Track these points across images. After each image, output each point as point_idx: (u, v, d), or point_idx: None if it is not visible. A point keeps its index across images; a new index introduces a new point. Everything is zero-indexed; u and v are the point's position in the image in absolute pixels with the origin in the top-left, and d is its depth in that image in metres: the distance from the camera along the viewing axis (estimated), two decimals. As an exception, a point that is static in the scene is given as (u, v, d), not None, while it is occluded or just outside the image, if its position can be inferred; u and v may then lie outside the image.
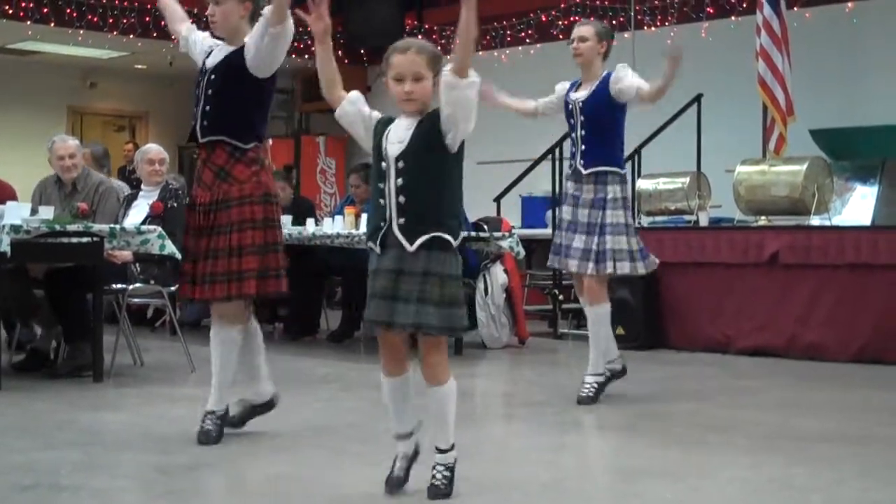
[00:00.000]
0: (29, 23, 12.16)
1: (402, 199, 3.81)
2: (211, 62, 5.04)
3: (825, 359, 7.94)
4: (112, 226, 6.77)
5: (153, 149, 8.15)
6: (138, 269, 7.43)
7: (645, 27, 11.76)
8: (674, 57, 5.80)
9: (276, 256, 4.98)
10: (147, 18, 12.72)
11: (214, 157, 4.97)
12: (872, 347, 7.85)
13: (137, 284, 7.31)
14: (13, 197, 7.52)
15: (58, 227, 6.45)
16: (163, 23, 12.91)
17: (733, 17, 11.16)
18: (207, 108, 4.98)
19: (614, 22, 12.05)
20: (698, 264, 8.71)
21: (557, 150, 10.19)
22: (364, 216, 8.47)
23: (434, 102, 3.87)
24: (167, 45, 13.08)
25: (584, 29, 6.16)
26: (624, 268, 6.05)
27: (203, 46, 5.17)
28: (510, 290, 8.94)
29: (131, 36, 12.84)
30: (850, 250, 7.98)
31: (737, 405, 6.28)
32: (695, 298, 8.69)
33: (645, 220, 9.62)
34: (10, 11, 11.96)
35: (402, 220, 3.81)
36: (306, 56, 13.71)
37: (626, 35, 11.58)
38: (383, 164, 3.87)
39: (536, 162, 10.63)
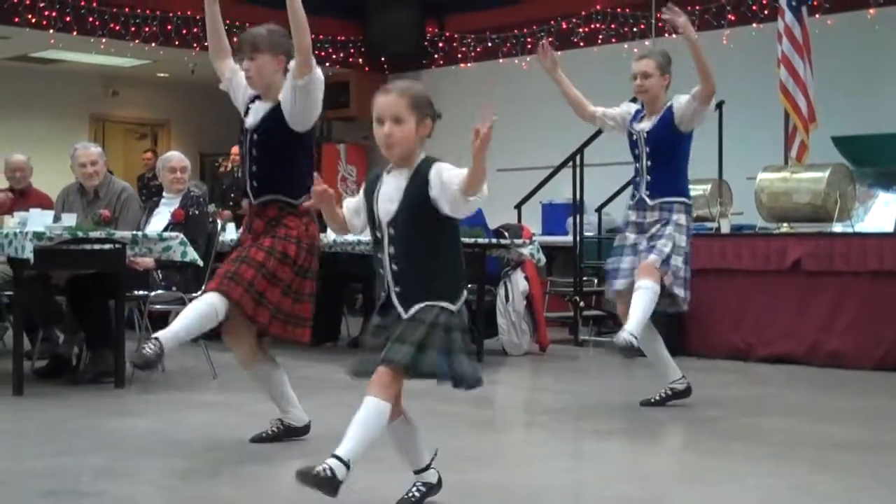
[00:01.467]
0: (52, 31, 12.22)
1: (395, 266, 3.68)
2: (251, 122, 5.03)
3: (847, 366, 7.91)
4: (134, 233, 6.80)
5: (175, 156, 8.18)
6: (160, 275, 7.45)
7: (666, 34, 11.73)
8: (671, 18, 5.87)
9: (301, 306, 4.95)
10: (169, 27, 12.77)
11: (267, 211, 5.00)
12: (895, 355, 7.81)
13: (159, 291, 7.33)
14: (50, 206, 7.55)
15: (80, 234, 6.47)
16: (184, 31, 13.03)
17: (755, 25, 11.14)
18: (254, 168, 5.01)
19: (635, 29, 12.05)
20: (720, 271, 8.68)
21: (578, 157, 10.18)
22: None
23: (420, 150, 3.70)
24: (189, 54, 13.16)
25: (645, 63, 6.11)
26: (679, 292, 6.06)
27: (244, 94, 5.14)
28: (531, 297, 8.94)
29: (153, 44, 12.89)
30: (872, 257, 7.95)
31: (758, 412, 6.25)
32: (716, 306, 8.66)
33: (666, 228, 9.58)
34: (34, 20, 12.03)
35: (398, 289, 3.69)
36: (327, 64, 13.76)
37: (646, 42, 11.57)
38: (377, 232, 3.73)
39: (557, 169, 10.63)
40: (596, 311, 10.66)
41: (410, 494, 3.89)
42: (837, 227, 8.44)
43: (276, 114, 4.93)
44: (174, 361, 7.77)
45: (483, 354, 8.28)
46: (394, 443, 3.90)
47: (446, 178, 3.58)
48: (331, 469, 3.52)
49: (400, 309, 3.69)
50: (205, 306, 4.83)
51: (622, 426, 5.87)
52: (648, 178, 6.15)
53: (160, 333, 4.78)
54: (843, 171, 8.60)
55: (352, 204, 3.88)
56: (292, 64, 4.84)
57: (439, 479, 3.94)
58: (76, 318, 7.04)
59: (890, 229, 8.48)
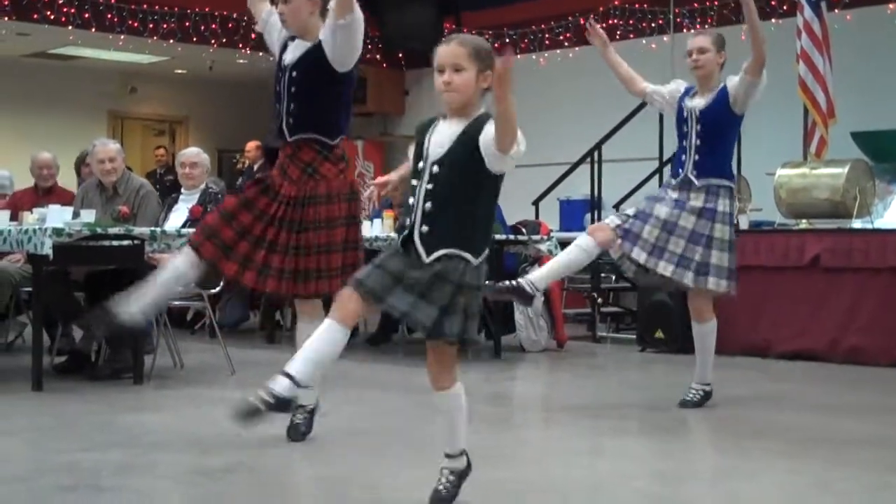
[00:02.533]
0: (70, 28, 12.27)
1: (428, 205, 3.65)
2: (290, 59, 5.01)
3: (866, 363, 7.88)
4: (153, 229, 6.82)
5: (187, 153, 8.21)
6: (178, 271, 7.46)
7: (684, 30, 11.71)
8: None
9: (356, 254, 5.00)
10: (187, 23, 12.80)
11: (301, 154, 4.98)
12: (914, 351, 7.78)
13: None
14: None
15: (99, 230, 6.50)
16: (202, 27, 13.07)
17: (773, 20, 11.10)
18: (292, 106, 4.98)
19: (653, 25, 12.03)
20: (738, 267, 8.59)
21: (596, 154, 10.16)
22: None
23: (479, 103, 3.71)
24: (207, 50, 13.20)
25: (702, 40, 6.04)
26: (721, 285, 5.97)
27: (280, 35, 5.12)
28: (548, 294, 8.93)
29: (171, 41, 12.93)
30: (892, 254, 7.92)
31: (776, 409, 6.24)
32: (734, 302, 8.60)
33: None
34: (52, 17, 12.08)
35: (424, 228, 3.65)
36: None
37: (664, 38, 11.56)
38: (421, 163, 3.72)
39: (575, 165, 10.63)
40: (614, 307, 10.65)
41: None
42: (857, 224, 8.40)
43: (317, 52, 4.91)
44: (192, 357, 7.80)
45: (501, 351, 8.29)
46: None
47: (489, 129, 3.59)
48: (451, 471, 3.76)
49: (422, 250, 3.64)
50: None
51: (640, 423, 5.87)
52: (696, 157, 6.02)
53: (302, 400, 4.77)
54: (863, 167, 8.57)
55: (407, 168, 3.91)
56: (332, 3, 4.82)
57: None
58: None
59: (910, 225, 8.44)
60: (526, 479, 4.07)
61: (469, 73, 3.67)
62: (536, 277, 5.77)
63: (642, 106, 8.76)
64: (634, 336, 9.25)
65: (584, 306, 10.42)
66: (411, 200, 3.70)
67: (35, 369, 6.42)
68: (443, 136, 3.70)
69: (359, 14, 4.84)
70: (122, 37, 12.66)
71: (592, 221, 10.15)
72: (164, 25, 12.68)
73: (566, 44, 12.82)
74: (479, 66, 3.67)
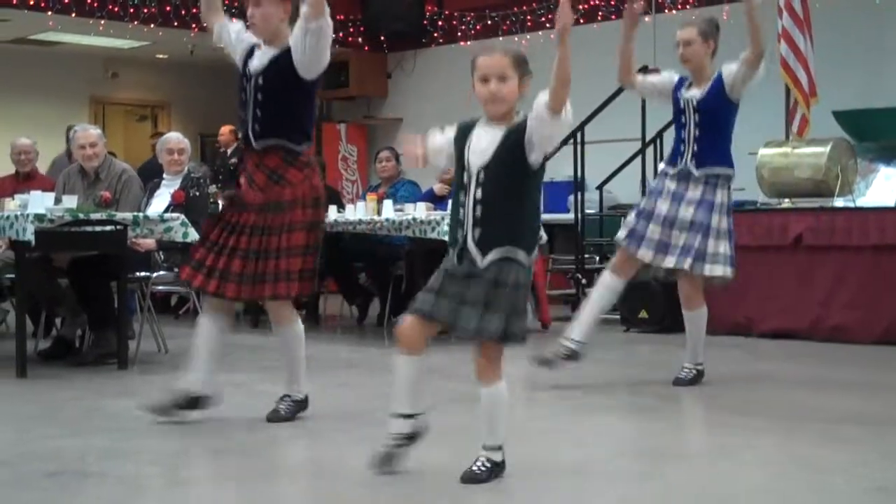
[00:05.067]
0: (50, 13, 12.20)
1: (478, 211, 3.84)
2: (256, 66, 5.03)
3: (849, 341, 7.91)
4: (135, 214, 6.80)
5: (173, 138, 8.17)
6: (162, 256, 7.47)
7: (666, 10, 11.71)
8: None
9: (313, 259, 5.04)
10: (168, 8, 12.74)
11: (267, 161, 4.99)
12: (896, 329, 7.82)
13: (161, 272, 7.34)
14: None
15: (81, 216, 6.48)
16: (183, 12, 13.01)
17: (754, -1, 11.08)
18: (258, 112, 4.99)
19: (635, 5, 12.01)
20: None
21: (579, 135, 10.16)
22: (387, 202, 8.52)
23: (520, 108, 3.89)
24: (188, 35, 13.13)
25: (687, 32, 6.05)
26: (716, 270, 6.01)
27: (242, 44, 5.15)
28: (533, 275, 8.93)
29: (152, 25, 12.86)
30: (874, 232, 7.94)
31: (761, 387, 6.27)
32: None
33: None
34: (32, 2, 12.00)
35: (476, 233, 3.84)
36: (327, 43, 13.72)
37: (646, 19, 11.53)
38: (465, 174, 3.88)
39: (558, 147, 10.61)
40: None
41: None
42: (839, 202, 8.43)
43: (284, 58, 4.94)
44: (176, 343, 7.78)
45: (485, 332, 8.28)
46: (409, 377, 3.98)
47: (536, 103, 3.79)
48: (488, 459, 3.90)
49: (476, 253, 3.83)
50: (283, 339, 5.13)
51: (625, 402, 5.89)
52: (695, 147, 6.05)
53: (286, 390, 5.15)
54: (845, 146, 8.59)
55: (436, 144, 4.06)
56: (304, 8, 4.85)
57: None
58: (78, 300, 7.05)
59: (891, 203, 8.47)
60: (511, 459, 4.07)
61: (513, 81, 3.85)
62: (579, 334, 6.11)
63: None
64: (618, 316, 9.27)
65: (569, 287, 10.43)
66: (461, 211, 3.88)
67: (19, 356, 6.42)
68: (484, 142, 3.88)
69: (329, 20, 4.91)
70: (103, 22, 12.59)
71: (576, 203, 10.17)
72: (145, 10, 12.62)
73: (548, 25, 12.77)
74: (520, 73, 3.87)
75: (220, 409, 5.15)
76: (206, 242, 5.06)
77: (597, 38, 11.61)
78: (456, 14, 13.82)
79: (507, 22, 13.17)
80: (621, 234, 6.19)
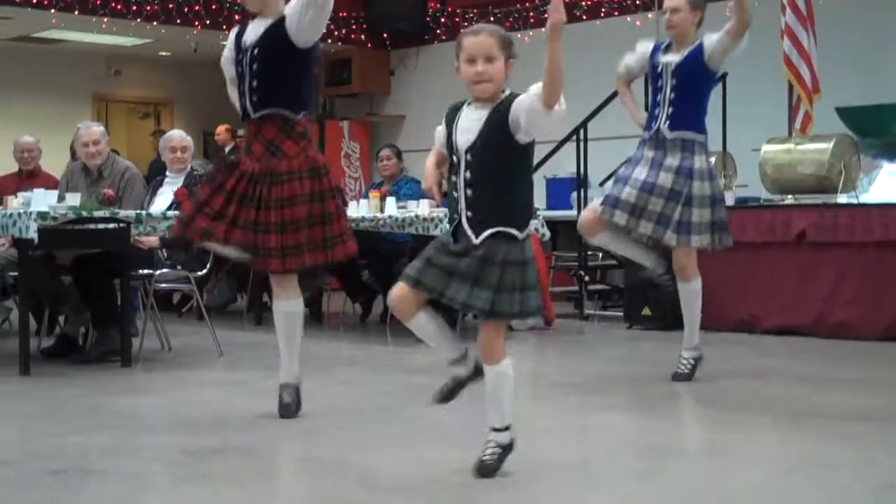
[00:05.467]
0: (53, 11, 12.19)
1: (469, 192, 3.88)
2: (251, 38, 5.09)
3: (852, 337, 7.90)
4: (138, 212, 6.80)
5: (175, 136, 8.17)
6: (165, 254, 7.47)
7: (669, 6, 11.67)
8: None
9: (330, 227, 5.05)
10: (171, 5, 12.73)
11: (265, 131, 5.05)
12: (900, 325, 7.81)
13: (164, 270, 7.34)
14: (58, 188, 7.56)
15: (84, 214, 6.48)
16: (186, 9, 13.01)
17: (758, -5, 11.08)
18: (255, 83, 5.05)
19: (638, 2, 12.01)
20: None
21: (582, 132, 10.15)
22: (389, 199, 8.52)
23: (505, 86, 3.91)
24: (191, 32, 13.13)
25: (676, 0, 6.07)
26: (704, 241, 6.01)
27: (231, 35, 5.22)
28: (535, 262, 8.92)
29: (155, 23, 12.86)
30: (877, 228, 7.93)
31: (764, 384, 6.26)
32: (721, 278, 8.64)
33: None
34: (35, 0, 12.00)
35: (469, 213, 3.88)
36: (329, 41, 13.72)
37: (649, 16, 11.54)
38: (454, 156, 3.93)
39: (561, 143, 10.60)
40: (601, 285, 10.67)
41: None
42: (842, 198, 8.42)
43: (277, 29, 5.00)
44: (180, 340, 7.79)
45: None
46: (426, 331, 4.05)
47: (527, 93, 3.82)
48: (497, 444, 3.92)
49: (470, 233, 3.87)
50: (280, 315, 5.15)
51: (629, 399, 5.88)
52: (670, 109, 6.06)
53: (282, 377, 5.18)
54: (848, 142, 8.58)
55: (440, 135, 4.08)
56: None
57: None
58: (82, 298, 7.05)
59: (894, 200, 8.46)
60: (515, 456, 4.07)
61: (500, 62, 3.87)
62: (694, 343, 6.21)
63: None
64: (622, 313, 9.27)
65: (572, 284, 10.42)
66: (455, 194, 3.92)
67: (22, 354, 6.42)
68: (469, 122, 3.91)
69: None
70: (106, 19, 12.58)
71: (579, 200, 10.16)
72: (148, 7, 12.61)
73: (551, 22, 12.80)
74: (507, 54, 3.89)
75: (221, 407, 5.15)
76: (205, 209, 5.03)
77: (600, 34, 11.62)
78: (459, 11, 13.81)
79: (510, 18, 13.15)
80: (597, 200, 6.19)
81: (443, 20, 14.04)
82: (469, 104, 3.95)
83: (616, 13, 12.21)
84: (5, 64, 14.42)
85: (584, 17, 12.26)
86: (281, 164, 5.00)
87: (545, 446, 4.65)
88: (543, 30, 3.77)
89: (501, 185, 3.88)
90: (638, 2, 12.01)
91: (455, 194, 3.92)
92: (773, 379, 6.47)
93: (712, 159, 6.17)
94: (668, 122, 6.05)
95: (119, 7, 12.44)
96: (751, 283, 8.53)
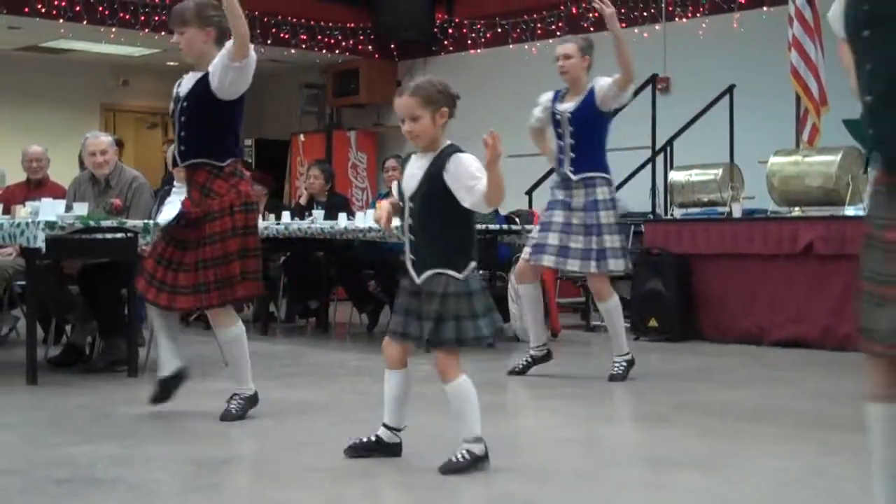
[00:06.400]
0: (62, 21, 12.24)
1: (412, 237, 4.15)
2: (183, 90, 5.33)
3: (859, 350, 7.86)
4: (146, 221, 6.81)
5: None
6: (172, 264, 7.46)
7: (676, 18, 11.70)
8: (600, 7, 6.40)
9: (255, 261, 5.30)
10: (179, 16, 12.76)
11: (196, 177, 5.28)
12: (907, 338, 7.78)
13: (171, 280, 7.34)
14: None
15: (92, 223, 6.49)
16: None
17: (765, 8, 11.09)
18: (183, 133, 5.30)
19: (645, 14, 12.02)
20: (731, 256, 8.68)
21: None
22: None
23: (443, 135, 4.14)
24: (199, 42, 13.14)
25: (568, 47, 6.61)
26: (619, 265, 6.57)
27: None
28: (542, 283, 8.92)
29: (163, 33, 12.87)
30: (884, 241, 7.91)
31: (770, 396, 6.25)
32: (728, 290, 8.66)
33: (677, 212, 9.59)
34: (44, 10, 12.04)
35: (413, 257, 4.16)
36: (336, 52, 13.76)
37: (656, 27, 11.54)
38: (402, 203, 4.20)
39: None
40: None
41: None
42: (849, 211, 8.42)
43: (204, 82, 5.20)
44: (186, 349, 7.77)
45: (495, 341, 8.27)
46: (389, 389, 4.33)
47: (463, 173, 4.05)
48: (468, 451, 4.05)
49: (413, 274, 4.15)
50: (222, 341, 5.45)
51: (634, 411, 5.88)
52: (573, 155, 6.59)
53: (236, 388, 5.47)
54: (855, 155, 8.58)
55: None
56: (229, 44, 5.07)
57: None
58: (89, 308, 7.06)
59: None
60: (519, 466, 4.07)
61: (425, 118, 4.11)
62: (535, 340, 7.01)
63: (635, 94, 8.78)
64: (628, 325, 9.26)
65: (578, 296, 10.42)
66: (403, 237, 4.21)
67: (29, 363, 6.42)
68: (414, 170, 4.17)
69: (253, 57, 5.13)
70: (114, 29, 12.62)
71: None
72: (156, 18, 12.64)
73: (558, 33, 12.78)
74: (433, 108, 4.11)
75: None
76: (155, 256, 5.34)
77: (606, 45, 11.62)
78: (466, 22, 13.83)
79: (518, 30, 13.18)
80: (527, 249, 6.78)
81: (450, 31, 14.06)
82: (416, 153, 4.21)
83: (623, 24, 12.18)
84: (14, 73, 14.47)
85: (592, 29, 12.26)
86: (214, 204, 5.19)
87: (551, 457, 4.65)
88: (550, 41, 3.85)
89: (438, 232, 4.11)
90: (645, 14, 12.02)
91: (403, 238, 4.19)
92: (779, 391, 6.46)
93: (614, 189, 6.78)
94: (572, 167, 6.59)
95: (127, 17, 12.49)
96: (758, 295, 8.53)
